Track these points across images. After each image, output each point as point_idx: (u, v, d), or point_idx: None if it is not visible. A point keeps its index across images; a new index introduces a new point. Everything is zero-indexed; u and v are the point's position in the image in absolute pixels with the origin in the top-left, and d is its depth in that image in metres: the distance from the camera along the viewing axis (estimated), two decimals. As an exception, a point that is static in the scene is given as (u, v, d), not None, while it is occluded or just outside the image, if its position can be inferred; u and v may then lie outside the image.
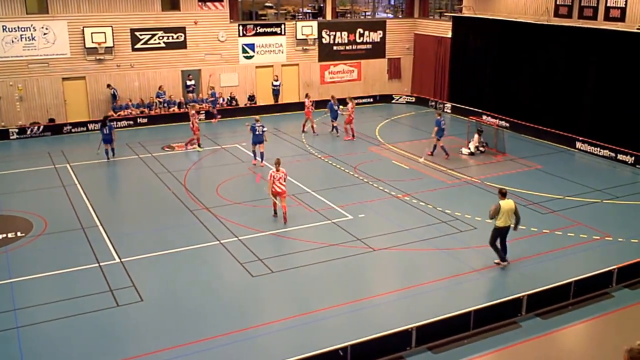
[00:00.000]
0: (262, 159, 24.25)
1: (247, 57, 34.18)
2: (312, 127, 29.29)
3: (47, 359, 11.81)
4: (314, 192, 20.90)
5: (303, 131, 29.27)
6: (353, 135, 28.17)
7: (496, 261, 15.39)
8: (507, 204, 14.89)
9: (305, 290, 14.40)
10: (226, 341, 12.24)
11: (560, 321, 12.95)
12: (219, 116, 31.95)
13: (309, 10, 37.23)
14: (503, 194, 15.03)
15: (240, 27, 33.72)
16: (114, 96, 31.02)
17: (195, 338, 12.33)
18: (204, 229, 17.87)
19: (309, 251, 16.37)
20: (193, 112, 26.89)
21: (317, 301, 13.86)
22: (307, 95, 30.30)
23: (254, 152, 24.57)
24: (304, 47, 35.37)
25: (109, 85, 30.97)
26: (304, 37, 34.99)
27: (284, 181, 18.23)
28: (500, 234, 15.15)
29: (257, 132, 23.90)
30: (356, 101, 28.59)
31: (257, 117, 24.84)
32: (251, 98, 33.86)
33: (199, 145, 26.49)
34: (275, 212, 18.69)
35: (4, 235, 17.51)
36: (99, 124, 27.38)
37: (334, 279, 14.92)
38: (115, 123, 28.12)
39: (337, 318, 13.17)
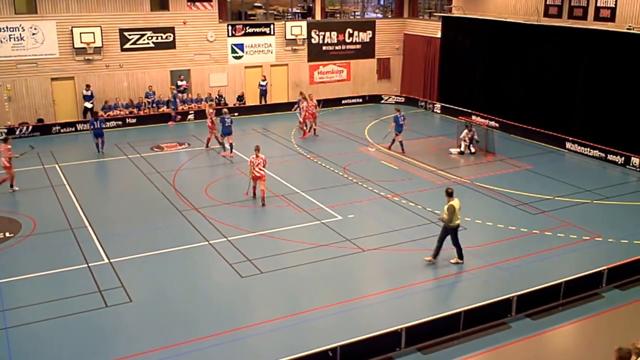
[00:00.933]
0: (231, 150, 25.30)
1: (236, 57, 34.09)
2: (314, 129, 29.06)
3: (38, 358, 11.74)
4: (303, 192, 20.86)
5: (315, 135, 28.85)
6: (310, 132, 28.51)
7: (453, 260, 15.53)
8: (457, 203, 15.03)
9: (295, 291, 14.37)
10: (215, 342, 12.20)
11: (550, 322, 12.99)
12: (179, 117, 31.76)
13: (298, 11, 37.19)
14: (450, 194, 15.13)
15: (229, 27, 33.64)
16: (88, 97, 30.70)
17: (185, 339, 12.29)
18: (193, 229, 17.80)
19: (298, 252, 16.34)
20: (210, 110, 26.83)
21: (306, 302, 13.84)
22: (310, 96, 29.47)
23: (222, 143, 25.80)
24: (293, 47, 35.33)
25: (87, 86, 30.69)
26: (293, 37, 34.95)
27: (263, 166, 19.65)
28: (454, 233, 15.24)
29: (226, 124, 25.04)
30: (317, 99, 28.59)
31: (225, 109, 25.99)
32: (240, 98, 33.77)
33: (221, 145, 26.27)
34: (254, 194, 20.12)
35: (-8, 237, 17.40)
36: (89, 121, 27.41)
37: (323, 280, 14.90)
38: (104, 123, 27.91)
39: (327, 319, 13.15)
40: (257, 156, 19.50)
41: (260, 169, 19.52)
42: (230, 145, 25.25)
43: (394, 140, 26.04)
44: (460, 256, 15.44)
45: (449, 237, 15.29)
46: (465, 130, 25.86)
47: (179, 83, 32.54)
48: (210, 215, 18.76)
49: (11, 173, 21.27)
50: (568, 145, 26.29)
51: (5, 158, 21.02)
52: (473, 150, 25.80)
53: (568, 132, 26.56)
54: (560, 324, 12.94)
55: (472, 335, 12.38)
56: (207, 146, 26.58)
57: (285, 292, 14.31)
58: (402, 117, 25.64)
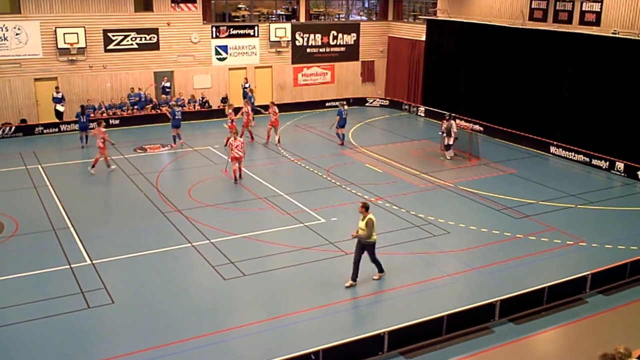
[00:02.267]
0: (180, 138, 27.11)
1: (220, 59, 33.95)
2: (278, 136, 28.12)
3: (21, 357, 11.62)
4: (286, 195, 20.79)
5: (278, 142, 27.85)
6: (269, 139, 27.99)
7: (376, 277, 14.95)
8: (374, 216, 14.40)
9: (277, 294, 14.30)
10: (197, 344, 12.13)
11: (534, 327, 13.01)
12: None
13: (283, 12, 37.12)
14: (367, 208, 14.26)
15: (214, 29, 33.51)
16: (59, 99, 30.47)
17: (167, 341, 12.21)
18: (175, 231, 17.69)
19: (281, 254, 16.28)
20: (230, 110, 26.87)
21: (289, 304, 13.80)
22: (272, 103, 28.77)
23: (173, 136, 27.02)
24: (278, 49, 35.25)
25: (57, 88, 30.42)
26: (277, 39, 34.88)
27: (241, 149, 22.03)
28: (373, 249, 14.56)
29: (176, 117, 26.82)
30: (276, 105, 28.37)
31: (173, 102, 27.69)
32: (224, 100, 33.62)
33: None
34: (236, 180, 22.03)
35: (-27, 237, 17.19)
36: (76, 114, 27.93)
37: (306, 283, 14.83)
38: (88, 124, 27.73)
39: (309, 322, 13.11)
40: (235, 139, 22.10)
41: (239, 150, 21.88)
42: (179, 135, 27.08)
43: (342, 135, 27.56)
44: (381, 269, 14.92)
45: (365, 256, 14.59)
46: (453, 122, 25.77)
47: (163, 84, 32.37)
48: (193, 217, 18.65)
49: (105, 154, 23.47)
50: (552, 149, 26.43)
51: (100, 140, 23.17)
52: (450, 142, 25.59)
53: (552, 137, 26.71)
54: (543, 328, 12.97)
55: (455, 340, 12.38)
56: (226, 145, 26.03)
57: (268, 295, 14.25)
58: (344, 112, 27.12)
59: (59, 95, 30.29)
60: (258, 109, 30.72)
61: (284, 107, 33.08)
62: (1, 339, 12.30)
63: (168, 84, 32.48)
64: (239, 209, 19.53)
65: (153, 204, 19.87)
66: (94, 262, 15.62)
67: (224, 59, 34.00)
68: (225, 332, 12.63)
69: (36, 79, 30.17)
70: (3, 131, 28.75)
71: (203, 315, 13.26)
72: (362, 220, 14.19)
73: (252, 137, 28.14)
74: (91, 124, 27.89)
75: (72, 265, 15.41)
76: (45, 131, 29.57)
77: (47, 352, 11.93)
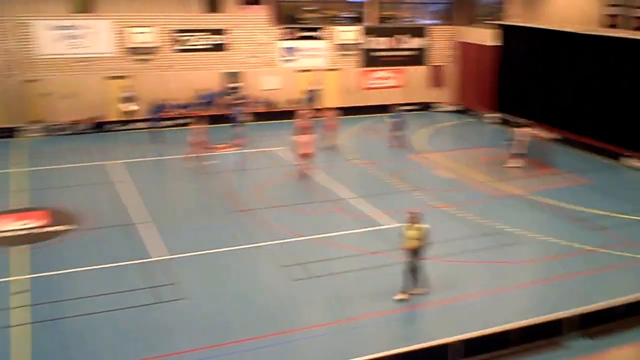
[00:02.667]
0: (241, 138, 27.33)
1: (286, 61, 34.15)
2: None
3: (90, 349, 11.93)
4: (353, 198, 20.71)
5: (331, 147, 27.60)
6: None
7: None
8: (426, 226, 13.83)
9: (343, 297, 14.20)
10: (264, 344, 12.18)
11: (608, 343, 12.52)
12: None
13: (351, 15, 37.04)
14: (415, 220, 13.72)
15: (281, 31, 33.73)
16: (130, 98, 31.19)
17: (233, 339, 12.31)
18: (246, 230, 17.88)
19: (348, 257, 16.22)
20: (308, 113, 26.89)
21: (354, 308, 13.69)
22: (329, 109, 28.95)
23: (234, 135, 27.33)
24: (345, 53, 35.22)
25: (127, 87, 31.21)
26: (344, 42, 34.85)
27: (311, 145, 22.67)
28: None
29: (237, 116, 27.57)
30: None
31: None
32: (291, 103, 33.76)
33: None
34: (304, 177, 22.40)
35: (54, 229, 17.82)
36: (154, 109, 28.99)
37: (371, 287, 14.67)
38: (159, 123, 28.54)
39: (376, 326, 13.00)
40: (305, 134, 22.91)
41: (307, 147, 22.61)
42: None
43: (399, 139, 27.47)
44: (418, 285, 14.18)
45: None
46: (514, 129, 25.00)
47: (230, 85, 32.78)
48: (263, 217, 18.78)
49: (198, 151, 24.43)
50: (630, 161, 25.29)
51: (195, 136, 24.30)
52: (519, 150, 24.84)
53: (631, 147, 25.62)
54: (618, 344, 12.46)
55: (523, 353, 12.02)
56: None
57: (334, 298, 14.18)
58: (398, 116, 27.49)
59: (129, 94, 31.07)
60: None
61: (349, 111, 33.09)
62: (79, 327, 12.70)
63: (235, 85, 32.87)
64: (307, 211, 19.56)
65: (225, 203, 20.15)
66: (166, 257, 15.95)
67: (290, 61, 34.18)
68: (292, 333, 12.65)
69: (107, 77, 31.01)
70: (76, 128, 29.67)
71: (270, 315, 13.30)
72: (410, 230, 13.75)
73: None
74: (163, 121, 28.64)
75: (145, 260, 15.77)
76: (117, 128, 30.39)
77: (119, 342, 12.21)
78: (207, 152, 24.70)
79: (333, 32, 34.78)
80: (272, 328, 12.73)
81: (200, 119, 25.35)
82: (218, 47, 32.68)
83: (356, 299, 14.16)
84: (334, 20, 36.19)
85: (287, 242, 17.05)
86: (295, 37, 34.10)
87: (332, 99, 34.85)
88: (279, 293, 14.34)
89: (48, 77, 30.07)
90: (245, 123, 27.28)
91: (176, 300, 13.83)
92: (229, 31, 32.68)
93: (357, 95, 35.80)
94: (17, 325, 12.66)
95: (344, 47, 35.10)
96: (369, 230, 18.07)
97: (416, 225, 13.76)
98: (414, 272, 13.98)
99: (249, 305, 13.75)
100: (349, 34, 34.97)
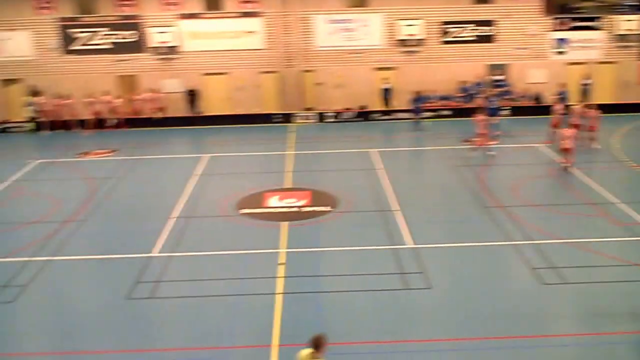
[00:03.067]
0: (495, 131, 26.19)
1: (558, 53, 32.61)
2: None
3: (338, 325, 12.61)
4: (620, 203, 19.21)
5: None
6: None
7: None
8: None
9: (599, 309, 13.17)
10: (502, 344, 11.94)
11: None
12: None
13: (634, 3, 34.01)
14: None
15: (554, 21, 32.24)
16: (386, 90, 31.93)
17: (472, 335, 12.24)
18: (497, 227, 17.57)
19: (610, 267, 15.07)
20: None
21: (610, 323, 12.61)
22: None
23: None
24: (624, 44, 32.53)
25: (386, 79, 32.05)
26: (625, 32, 32.20)
27: (573, 140, 21.89)
28: None
29: (492, 105, 26.99)
30: None
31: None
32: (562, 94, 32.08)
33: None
34: (563, 173, 21.85)
35: (316, 209, 19.28)
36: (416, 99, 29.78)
37: (637, 303, 13.42)
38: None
39: (630, 347, 11.91)
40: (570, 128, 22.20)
41: (569, 141, 21.80)
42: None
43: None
44: None
45: None
46: None
47: (495, 78, 32.29)
48: (517, 216, 18.32)
49: (484, 141, 24.71)
50: None
51: (482, 126, 24.52)
52: None
53: None
54: None
55: None
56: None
57: (586, 308, 13.31)
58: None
59: (387, 86, 32.17)
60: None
61: (627, 108, 30.67)
62: (326, 302, 13.65)
63: (501, 78, 32.29)
64: (565, 213, 18.58)
65: (477, 197, 20.05)
66: (415, 246, 16.32)
67: (563, 53, 32.59)
68: (539, 339, 12.16)
69: (376, 69, 32.45)
70: (345, 116, 31.62)
71: (517, 316, 12.91)
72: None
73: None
74: (423, 112, 29.36)
75: (394, 246, 16.30)
76: (380, 118, 31.75)
77: (363, 323, 12.74)
78: (489, 144, 24.63)
79: (612, 22, 32.37)
80: (514, 330, 12.39)
81: (481, 110, 25.39)
82: (485, 39, 32.34)
83: (613, 313, 13.04)
84: (614, 9, 33.57)
85: (541, 243, 16.35)
86: (568, 28, 32.39)
87: (603, 94, 32.48)
88: (526, 295, 13.86)
89: (323, 67, 32.41)
90: (498, 117, 26.64)
91: (422, 289, 14.08)
92: (497, 22, 32.16)
93: (636, 91, 32.92)
94: (277, 294, 13.92)
95: (623, 38, 32.48)
96: (637, 240, 16.70)
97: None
98: None
99: (492, 304, 13.50)
100: (631, 23, 32.22)
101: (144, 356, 11.87)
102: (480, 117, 24.52)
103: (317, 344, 8.69)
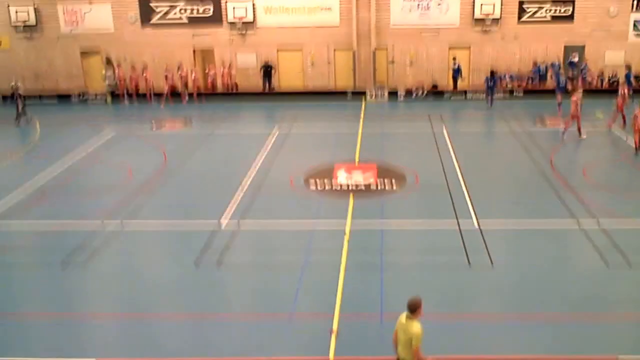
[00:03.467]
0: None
1: (638, 35, 31.54)
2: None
3: (398, 298, 12.71)
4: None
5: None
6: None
7: None
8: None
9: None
10: (565, 324, 11.99)
11: None
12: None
13: None
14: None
15: (635, 2, 31.16)
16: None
17: (537, 310, 12.39)
18: (564, 209, 17.46)
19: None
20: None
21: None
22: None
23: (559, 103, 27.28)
24: None
25: (454, 59, 31.86)
26: None
27: None
28: None
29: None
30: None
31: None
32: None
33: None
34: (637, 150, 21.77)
35: (383, 185, 19.60)
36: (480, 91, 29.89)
37: None
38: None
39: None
40: None
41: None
42: None
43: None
44: None
45: None
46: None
47: (571, 60, 31.57)
48: (586, 198, 18.13)
49: (577, 121, 23.92)
50: None
51: (574, 106, 23.66)
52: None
53: None
54: None
55: None
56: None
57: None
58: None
59: (456, 67, 31.88)
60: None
61: None
62: (390, 277, 13.88)
63: (576, 59, 31.53)
64: (636, 197, 18.33)
65: (545, 178, 19.90)
66: (480, 224, 16.46)
67: (641, 34, 31.57)
68: (597, 320, 12.20)
69: (450, 47, 32.24)
70: (417, 94, 31.63)
71: (579, 299, 12.95)
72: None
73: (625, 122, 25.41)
74: (495, 92, 29.25)
75: (460, 224, 16.48)
76: (452, 98, 31.60)
77: (425, 297, 12.83)
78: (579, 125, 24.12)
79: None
80: (576, 311, 12.43)
81: (577, 90, 24.81)
82: (565, 19, 31.57)
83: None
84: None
85: (609, 227, 16.12)
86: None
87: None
88: (591, 279, 13.83)
89: (396, 45, 32.40)
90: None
91: (484, 267, 14.22)
92: (577, 2, 31.34)
93: None
94: (341, 266, 14.34)
95: None
96: None
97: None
98: None
99: (555, 283, 13.55)
100: None
101: (209, 321, 12.42)
102: (576, 97, 23.83)
103: (412, 307, 9.08)
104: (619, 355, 10.83)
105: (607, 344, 11.42)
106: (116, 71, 32.83)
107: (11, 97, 29.96)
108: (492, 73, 29.64)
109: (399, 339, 9.25)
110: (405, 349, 9.10)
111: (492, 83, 29.54)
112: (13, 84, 29.60)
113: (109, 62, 32.97)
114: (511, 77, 31.80)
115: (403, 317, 9.20)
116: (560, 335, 11.67)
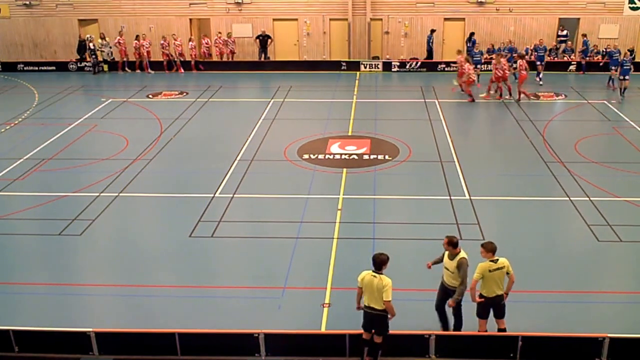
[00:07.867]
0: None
1: (633, 9, 31.51)
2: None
3: (390, 272, 12.81)
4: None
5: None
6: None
7: None
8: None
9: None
10: (554, 299, 12.14)
11: None
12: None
13: None
14: (455, 245, 10.51)
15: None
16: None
17: (523, 288, 12.32)
18: (555, 182, 17.63)
19: (667, 228, 14.96)
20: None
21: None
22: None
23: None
24: None
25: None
26: None
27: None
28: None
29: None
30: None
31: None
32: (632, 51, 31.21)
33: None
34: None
35: (376, 157, 19.72)
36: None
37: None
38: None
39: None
40: None
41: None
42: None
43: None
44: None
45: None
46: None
47: (560, 33, 31.68)
48: (576, 172, 18.29)
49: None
50: None
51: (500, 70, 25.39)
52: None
53: None
54: None
55: None
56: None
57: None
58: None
59: (471, 43, 31.59)
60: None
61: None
62: (379, 248, 13.67)
63: (565, 32, 31.63)
64: (626, 171, 18.48)
65: (537, 152, 20.05)
66: (471, 197, 16.59)
67: (637, 8, 31.48)
68: (587, 294, 12.42)
69: (446, 19, 32.21)
70: (410, 65, 31.62)
71: (567, 271, 13.13)
72: (451, 260, 10.66)
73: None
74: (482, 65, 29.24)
75: (451, 197, 16.60)
76: (446, 69, 31.61)
77: (408, 270, 12.94)
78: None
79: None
80: (568, 285, 12.60)
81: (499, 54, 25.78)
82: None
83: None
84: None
85: (599, 200, 16.36)
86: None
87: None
88: (581, 252, 14.00)
89: (391, 16, 32.31)
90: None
91: (474, 240, 14.02)
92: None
93: None
94: (333, 238, 14.46)
95: None
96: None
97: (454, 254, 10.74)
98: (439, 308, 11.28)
99: (546, 257, 13.71)
100: None
101: (203, 291, 12.54)
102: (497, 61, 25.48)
103: (381, 264, 9.79)
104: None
105: (597, 322, 11.60)
106: (112, 40, 32.71)
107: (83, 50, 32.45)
108: (483, 48, 29.74)
109: (367, 294, 9.83)
110: (377, 301, 9.75)
111: (475, 57, 28.86)
112: (88, 36, 32.14)
113: (103, 37, 32.83)
114: (499, 50, 31.40)
115: (368, 274, 9.80)
116: (550, 312, 11.78)
